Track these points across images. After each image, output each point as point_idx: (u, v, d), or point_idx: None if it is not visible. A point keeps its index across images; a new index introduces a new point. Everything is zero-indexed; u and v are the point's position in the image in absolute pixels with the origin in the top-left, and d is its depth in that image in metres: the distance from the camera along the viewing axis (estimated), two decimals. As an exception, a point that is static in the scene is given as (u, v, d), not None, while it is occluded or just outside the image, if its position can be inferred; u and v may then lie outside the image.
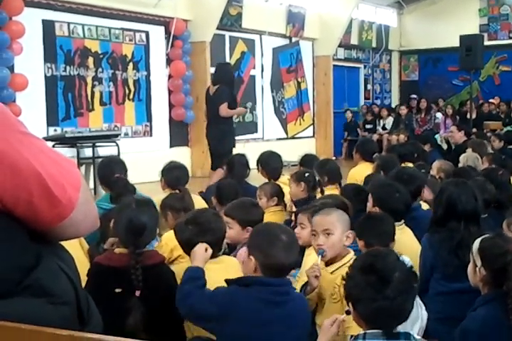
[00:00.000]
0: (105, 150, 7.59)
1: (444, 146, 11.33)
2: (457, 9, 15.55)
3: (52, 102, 8.80)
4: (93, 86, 9.40)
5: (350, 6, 13.66)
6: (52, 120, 8.80)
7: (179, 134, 10.78)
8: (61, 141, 7.43)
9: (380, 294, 1.95)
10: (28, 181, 1.11)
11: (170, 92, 10.55)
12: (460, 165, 5.86)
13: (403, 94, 16.97)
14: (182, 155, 9.97)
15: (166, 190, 4.49)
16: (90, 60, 9.32)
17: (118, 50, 9.77)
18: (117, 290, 2.53)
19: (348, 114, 14.83)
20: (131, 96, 10.03)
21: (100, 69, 9.49)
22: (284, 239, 2.37)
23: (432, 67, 16.72)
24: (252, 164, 5.50)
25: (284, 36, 13.12)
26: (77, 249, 3.04)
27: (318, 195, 4.46)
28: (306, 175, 4.55)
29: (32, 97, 8.34)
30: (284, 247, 2.34)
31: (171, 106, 10.60)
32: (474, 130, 11.24)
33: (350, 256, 2.82)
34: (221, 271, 2.65)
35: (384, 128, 14.28)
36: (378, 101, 16.55)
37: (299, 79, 13.83)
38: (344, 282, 2.10)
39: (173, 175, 4.59)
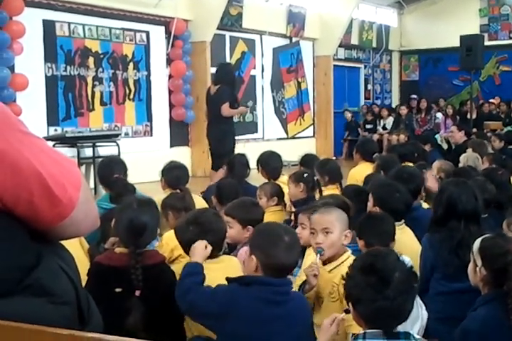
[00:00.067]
0: (105, 150, 7.60)
1: (445, 146, 11.33)
2: (457, 9, 15.55)
3: (53, 102, 8.80)
4: (93, 86, 9.40)
5: (350, 6, 13.66)
6: (52, 120, 8.80)
7: (179, 134, 10.78)
8: (61, 140, 7.44)
9: (380, 294, 1.95)
10: (28, 180, 1.11)
11: (170, 92, 10.55)
12: (460, 165, 5.85)
13: (403, 94, 16.96)
14: (182, 155, 9.97)
15: (166, 189, 4.49)
16: (91, 59, 9.33)
17: (118, 50, 9.77)
18: (117, 290, 2.53)
19: (347, 114, 14.82)
20: (131, 96, 10.03)
21: (101, 69, 9.49)
22: (287, 239, 2.37)
23: (432, 67, 16.72)
24: (252, 164, 5.50)
25: (284, 36, 13.12)
26: (77, 249, 3.04)
27: (317, 196, 4.46)
28: (305, 175, 4.54)
29: (32, 97, 8.34)
30: (286, 248, 2.34)
31: (171, 106, 10.60)
32: (474, 130, 11.25)
33: (348, 254, 2.82)
34: (221, 270, 2.65)
35: (384, 128, 14.28)
36: (378, 101, 16.55)
37: (300, 79, 13.83)
38: (344, 282, 2.10)
39: (173, 175, 4.59)
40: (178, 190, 4.20)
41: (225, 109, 7.55)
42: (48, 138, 7.22)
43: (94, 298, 1.29)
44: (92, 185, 6.50)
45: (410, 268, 2.10)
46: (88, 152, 7.48)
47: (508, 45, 15.36)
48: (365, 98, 16.29)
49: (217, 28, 10.98)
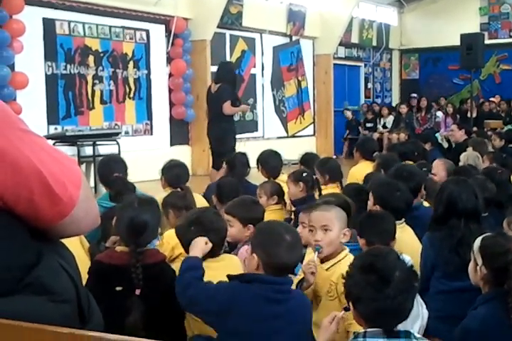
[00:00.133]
0: (106, 148, 7.60)
1: (445, 145, 11.33)
2: (458, 8, 15.54)
3: (53, 101, 8.80)
4: (93, 84, 9.40)
5: (350, 5, 13.66)
6: (52, 118, 8.80)
7: (180, 133, 10.78)
8: (62, 139, 7.45)
9: (381, 293, 1.95)
10: (28, 179, 1.11)
11: (170, 91, 10.55)
12: (460, 163, 5.85)
13: (404, 92, 16.96)
14: (182, 153, 9.97)
15: (167, 188, 4.49)
16: (91, 58, 9.32)
17: (118, 48, 9.77)
18: (118, 289, 2.53)
19: (347, 113, 14.81)
20: (131, 95, 10.03)
21: (101, 68, 9.49)
22: (288, 238, 2.36)
23: (432, 65, 16.72)
24: (252, 163, 5.50)
25: (284, 35, 13.12)
26: (77, 247, 3.04)
27: (316, 195, 4.45)
28: (304, 174, 4.54)
29: (32, 96, 8.33)
30: (287, 247, 2.34)
31: (171, 104, 10.60)
32: (475, 129, 11.25)
33: (345, 253, 2.83)
34: (222, 269, 2.65)
35: (384, 126, 14.27)
36: (379, 100, 16.55)
37: (300, 78, 13.82)
38: (344, 281, 2.10)
39: (173, 174, 4.59)
40: (178, 189, 4.20)
41: (227, 107, 7.55)
42: (48, 137, 7.22)
43: (94, 296, 1.29)
44: (92, 183, 6.50)
45: (410, 267, 2.09)
46: (88, 150, 7.49)
47: (509, 44, 15.35)
48: (366, 97, 16.29)
49: (218, 27, 10.97)
